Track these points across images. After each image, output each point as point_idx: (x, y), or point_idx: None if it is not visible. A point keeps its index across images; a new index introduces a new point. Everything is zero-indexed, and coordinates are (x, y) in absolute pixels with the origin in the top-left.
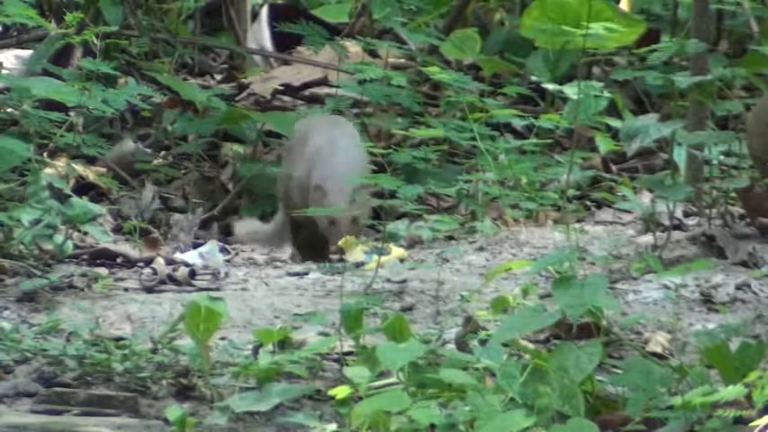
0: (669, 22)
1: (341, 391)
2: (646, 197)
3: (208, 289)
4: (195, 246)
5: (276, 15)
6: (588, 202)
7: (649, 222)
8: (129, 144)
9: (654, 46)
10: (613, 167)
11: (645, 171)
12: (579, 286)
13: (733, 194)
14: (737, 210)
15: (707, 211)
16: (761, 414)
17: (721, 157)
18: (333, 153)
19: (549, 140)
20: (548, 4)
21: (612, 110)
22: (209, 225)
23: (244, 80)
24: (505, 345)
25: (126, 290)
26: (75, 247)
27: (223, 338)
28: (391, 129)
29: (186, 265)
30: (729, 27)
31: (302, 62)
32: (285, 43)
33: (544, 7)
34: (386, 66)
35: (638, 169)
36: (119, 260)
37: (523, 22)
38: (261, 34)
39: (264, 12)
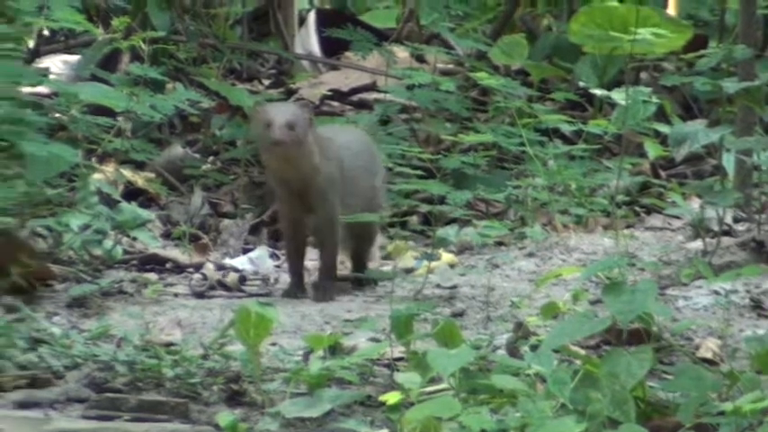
0: (717, 28)
1: (392, 397)
2: (695, 203)
3: (258, 294)
4: (245, 251)
5: (323, 21)
6: (638, 208)
7: (699, 228)
8: (177, 149)
9: (702, 51)
10: (662, 173)
11: (694, 177)
12: (629, 292)
13: None
14: None
15: (756, 216)
16: None
17: None
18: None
19: (598, 146)
20: (595, 10)
21: (661, 115)
22: (258, 230)
23: (292, 85)
24: (556, 350)
25: (176, 295)
26: (125, 252)
27: (274, 344)
28: (440, 134)
29: (236, 270)
30: None
31: (350, 67)
32: (333, 48)
33: (592, 13)
34: (434, 71)
35: (687, 175)
36: (168, 266)
37: (571, 28)
38: (308, 39)
39: (312, 17)
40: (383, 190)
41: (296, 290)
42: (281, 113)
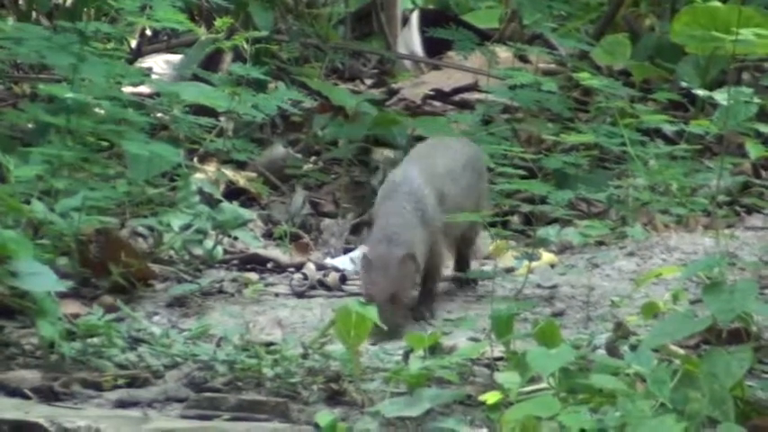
0: None
1: (491, 397)
2: None
3: (358, 294)
4: (346, 251)
5: (426, 20)
6: (738, 208)
7: None
8: (279, 149)
9: None
10: (763, 173)
11: None
12: (729, 292)
13: None
14: None
15: None
16: None
17: None
18: None
19: (700, 146)
20: (698, 10)
21: (762, 115)
22: (359, 230)
23: (394, 85)
24: (656, 350)
25: (276, 295)
26: (226, 252)
27: (374, 344)
28: (542, 134)
29: (337, 270)
30: None
31: (452, 67)
32: (435, 48)
33: (694, 13)
34: (536, 71)
35: None
36: (269, 265)
37: (673, 28)
38: (411, 39)
39: (415, 17)
40: (487, 191)
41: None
42: (381, 291)
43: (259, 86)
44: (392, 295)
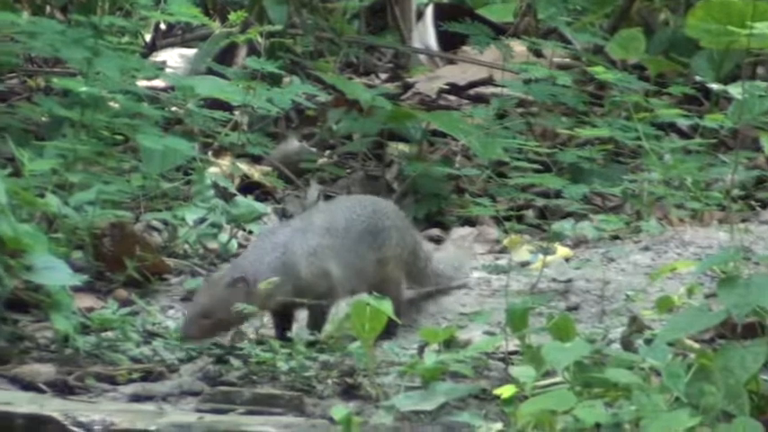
0: None
1: (506, 390)
2: None
3: None
4: None
5: (441, 14)
6: (753, 202)
7: None
8: (294, 143)
9: None
10: None
11: None
12: (744, 286)
13: None
14: None
15: None
16: None
17: None
18: None
19: (714, 140)
20: (712, 4)
21: None
22: None
23: (409, 79)
24: (670, 344)
25: None
26: (240, 246)
27: (389, 338)
28: (556, 128)
29: None
30: None
31: (467, 61)
32: (450, 42)
33: (709, 7)
34: (551, 65)
35: None
36: None
37: (688, 22)
38: (426, 33)
39: (429, 11)
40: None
41: None
42: (194, 305)
43: (274, 80)
44: (206, 311)
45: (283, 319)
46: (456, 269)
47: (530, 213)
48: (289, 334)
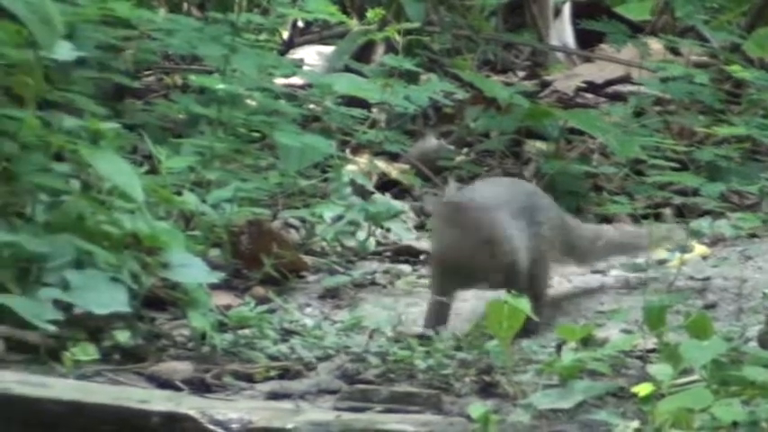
0: None
1: (644, 389)
2: None
3: None
4: None
5: (578, 12)
6: None
7: None
8: (431, 141)
9: None
10: None
11: None
12: None
13: None
14: None
15: None
16: None
17: None
18: None
19: None
20: None
21: None
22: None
23: (546, 77)
24: None
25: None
26: (378, 243)
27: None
28: (694, 126)
29: None
30: None
31: (605, 59)
32: (588, 40)
33: None
34: (688, 63)
35: None
36: (422, 257)
37: None
38: (563, 31)
39: (567, 9)
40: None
41: None
42: None
43: (411, 78)
44: None
45: (444, 308)
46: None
47: (667, 212)
48: (429, 333)
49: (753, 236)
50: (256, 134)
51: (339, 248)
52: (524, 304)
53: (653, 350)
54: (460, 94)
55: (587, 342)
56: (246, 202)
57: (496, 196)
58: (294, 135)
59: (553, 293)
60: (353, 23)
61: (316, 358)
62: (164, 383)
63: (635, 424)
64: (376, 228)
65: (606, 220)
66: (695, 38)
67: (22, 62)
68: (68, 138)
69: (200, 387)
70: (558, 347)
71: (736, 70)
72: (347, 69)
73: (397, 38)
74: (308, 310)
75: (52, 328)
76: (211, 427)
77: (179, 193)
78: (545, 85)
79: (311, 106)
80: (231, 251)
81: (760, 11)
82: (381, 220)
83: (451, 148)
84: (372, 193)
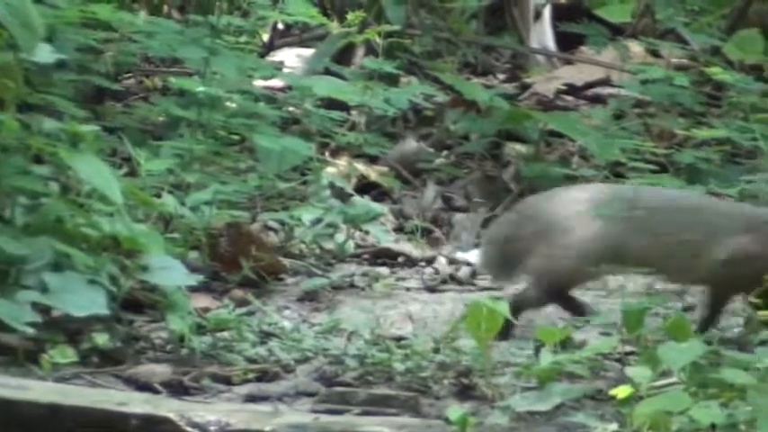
0: None
1: (622, 391)
2: None
3: (490, 288)
4: (477, 245)
5: (559, 15)
6: None
7: None
8: (411, 143)
9: None
10: None
11: None
12: None
13: None
14: None
15: None
16: None
17: None
18: None
19: None
20: None
21: None
22: (490, 224)
23: (526, 80)
24: None
25: (408, 289)
26: (357, 246)
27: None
28: (673, 129)
29: (468, 264)
30: None
31: (585, 62)
32: (568, 43)
33: None
34: (668, 66)
35: None
36: (400, 260)
37: None
38: (544, 34)
39: (547, 11)
40: None
41: None
42: None
43: (391, 80)
44: None
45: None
46: None
47: None
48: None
49: None
50: (236, 137)
51: (318, 251)
52: (502, 307)
53: (631, 353)
54: (441, 97)
55: (565, 344)
56: (225, 204)
57: None
58: (273, 138)
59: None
60: (334, 26)
61: (294, 361)
62: (142, 386)
63: (613, 426)
64: (355, 230)
65: None
66: (675, 40)
67: (2, 65)
68: (48, 140)
69: (178, 390)
70: (537, 350)
71: (716, 73)
72: (327, 72)
73: (378, 40)
74: (287, 312)
75: (30, 331)
76: (190, 429)
77: (158, 196)
78: (525, 87)
79: (291, 109)
80: (210, 254)
81: (740, 13)
82: (360, 222)
83: (431, 150)
84: (351, 195)
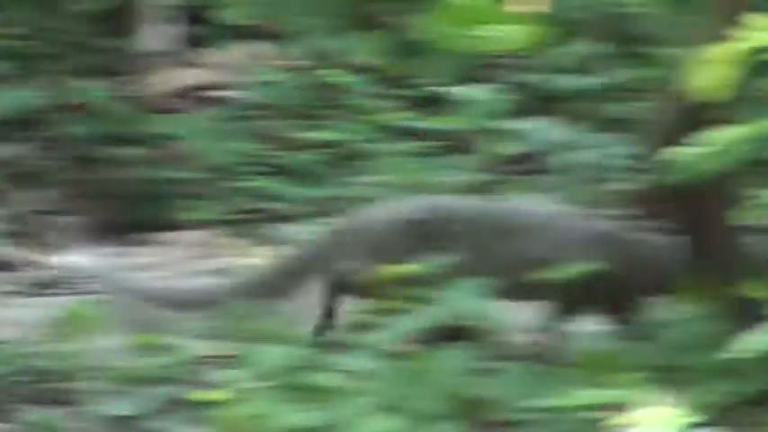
0: None
1: (210, 395)
2: None
3: (87, 292)
4: (78, 249)
5: (187, 16)
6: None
7: None
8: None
9: None
10: None
11: None
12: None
13: None
14: None
15: None
16: None
17: None
18: None
19: (448, 142)
20: (447, 7)
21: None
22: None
23: (142, 82)
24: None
25: (6, 293)
26: None
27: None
28: (288, 132)
29: (65, 269)
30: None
31: (200, 65)
32: (193, 45)
33: (444, 9)
34: (288, 68)
35: None
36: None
37: (423, 24)
38: (161, 36)
39: (167, 13)
40: None
41: None
42: None
43: None
44: None
45: None
46: None
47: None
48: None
49: None
50: None
51: None
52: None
53: (225, 356)
54: (47, 100)
55: (156, 348)
56: None
57: None
58: None
59: None
60: None
61: None
62: None
63: (199, 431)
64: None
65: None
66: (297, 43)
67: None
68: None
69: None
70: (129, 353)
71: (333, 75)
72: None
73: None
74: None
75: None
76: None
77: None
78: (139, 89)
79: None
80: None
81: (364, 18)
82: None
83: (37, 153)
84: None
